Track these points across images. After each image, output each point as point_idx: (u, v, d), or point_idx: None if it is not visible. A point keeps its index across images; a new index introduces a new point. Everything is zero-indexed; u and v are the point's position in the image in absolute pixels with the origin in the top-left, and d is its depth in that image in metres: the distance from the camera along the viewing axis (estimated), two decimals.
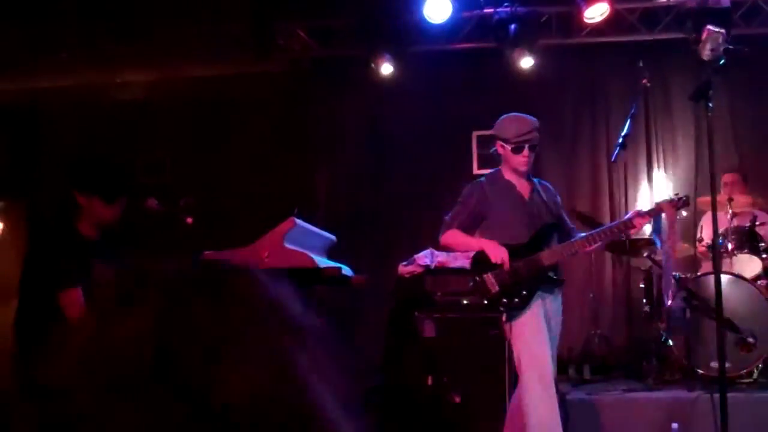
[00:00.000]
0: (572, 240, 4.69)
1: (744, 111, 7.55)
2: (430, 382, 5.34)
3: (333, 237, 4.79)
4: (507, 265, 4.57)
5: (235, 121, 7.91)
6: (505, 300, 4.57)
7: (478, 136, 7.74)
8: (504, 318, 4.59)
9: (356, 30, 7.62)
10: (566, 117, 7.84)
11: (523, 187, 4.82)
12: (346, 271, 4.48)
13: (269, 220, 4.32)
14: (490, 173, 4.96)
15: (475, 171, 7.65)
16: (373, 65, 7.44)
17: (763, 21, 7.34)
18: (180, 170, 7.98)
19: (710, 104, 4.39)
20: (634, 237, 5.87)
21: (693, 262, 6.33)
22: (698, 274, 5.94)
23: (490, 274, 4.60)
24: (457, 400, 5.26)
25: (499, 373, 5.03)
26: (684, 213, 5.46)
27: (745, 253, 6.00)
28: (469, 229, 4.78)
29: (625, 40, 7.50)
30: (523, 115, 4.77)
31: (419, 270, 5.81)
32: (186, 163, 7.99)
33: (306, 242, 4.25)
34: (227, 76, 8.03)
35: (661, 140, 7.60)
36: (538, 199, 4.81)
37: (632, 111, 5.83)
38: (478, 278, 4.64)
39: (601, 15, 7.02)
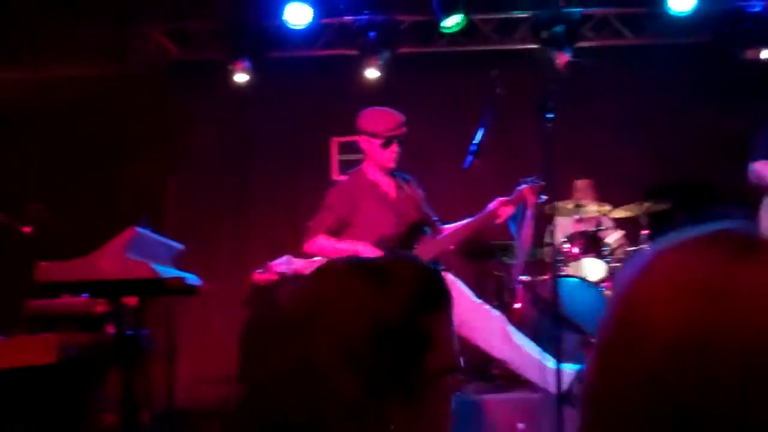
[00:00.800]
0: (441, 235, 4.67)
1: (597, 118, 7.85)
2: None
3: (179, 246, 4.70)
4: None
5: (88, 124, 7.67)
6: None
7: (339, 143, 7.77)
8: None
9: (216, 34, 7.54)
10: (424, 124, 7.91)
11: (387, 184, 4.75)
12: (192, 280, 4.39)
13: (115, 229, 4.21)
14: (352, 173, 4.86)
15: (335, 177, 7.67)
16: (231, 70, 7.37)
17: (613, 32, 7.65)
18: (32, 175, 7.69)
19: (551, 114, 4.48)
20: (485, 241, 6.01)
21: (541, 266, 6.53)
22: (545, 277, 6.13)
23: None
24: None
25: None
26: (544, 197, 5.59)
27: (590, 257, 6.23)
28: (337, 233, 4.68)
29: (481, 49, 7.67)
30: (390, 109, 4.70)
31: (274, 277, 5.76)
32: (39, 167, 7.70)
33: (149, 252, 4.15)
34: (86, 77, 7.78)
35: (512, 147, 7.80)
36: (404, 195, 4.75)
37: (485, 119, 5.95)
38: None
39: (458, 25, 7.17)
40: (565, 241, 6.14)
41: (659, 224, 6.51)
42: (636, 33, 7.59)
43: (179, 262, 4.68)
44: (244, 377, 1.30)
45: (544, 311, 5.78)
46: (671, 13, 7.06)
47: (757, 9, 7.01)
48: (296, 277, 5.69)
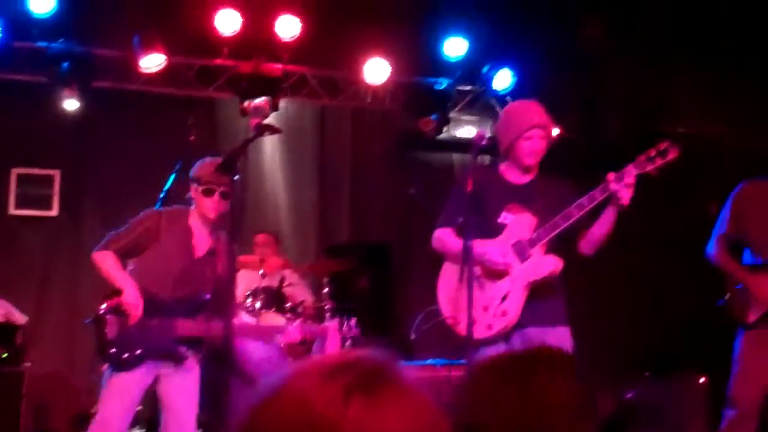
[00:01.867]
0: (209, 319, 4.23)
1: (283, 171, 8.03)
2: None
3: None
4: (135, 319, 4.16)
5: None
6: (113, 351, 4.18)
7: (18, 174, 7.25)
8: (105, 367, 4.22)
9: None
10: (117, 163, 7.61)
11: (202, 240, 4.42)
12: None
13: None
14: (177, 208, 4.54)
15: (12, 211, 7.15)
16: None
17: (310, 93, 7.87)
18: None
19: (237, 176, 4.32)
20: None
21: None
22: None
23: (113, 316, 4.20)
24: None
25: None
26: None
27: (272, 311, 6.30)
28: (128, 254, 4.38)
29: (181, 93, 7.57)
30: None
31: None
32: None
33: None
34: None
35: None
36: (213, 263, 4.36)
37: (177, 166, 5.86)
38: (99, 316, 4.20)
39: (157, 66, 7.03)
40: (248, 296, 6.15)
41: (340, 282, 6.77)
42: (332, 95, 7.88)
43: None
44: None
45: (225, 368, 5.72)
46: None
47: (442, 86, 7.59)
48: None
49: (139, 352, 4.18)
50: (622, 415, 6.85)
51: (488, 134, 4.02)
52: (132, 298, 4.18)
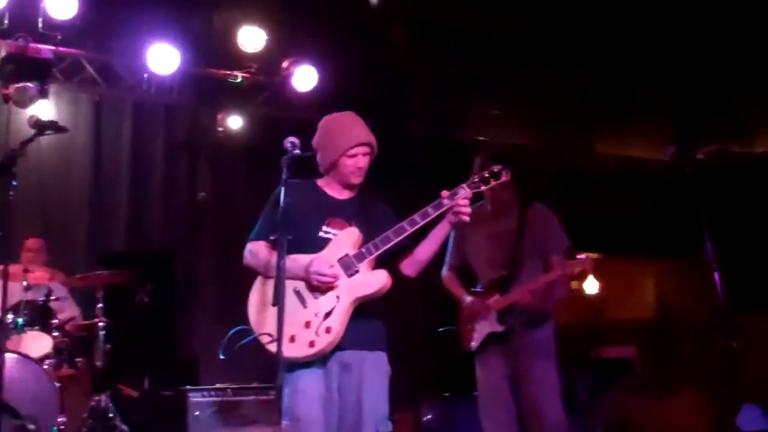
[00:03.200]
0: None
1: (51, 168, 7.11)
2: None
3: None
4: None
5: None
6: None
7: None
8: None
9: None
10: None
11: None
12: None
13: None
14: None
15: None
16: None
17: (85, 80, 7.03)
18: None
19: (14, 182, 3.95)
20: None
21: None
22: None
23: None
24: None
25: None
26: None
27: (36, 329, 5.46)
28: None
29: None
30: None
31: None
32: None
33: None
34: None
35: None
36: None
37: None
38: None
39: None
40: (7, 311, 5.25)
41: (116, 296, 6.03)
42: (110, 84, 7.10)
43: None
44: None
45: None
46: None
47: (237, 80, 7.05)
48: None
49: None
50: None
51: (296, 141, 3.56)
52: None
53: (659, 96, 7.32)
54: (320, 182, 4.00)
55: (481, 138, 7.12)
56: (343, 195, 3.99)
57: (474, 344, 4.88)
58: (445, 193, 3.75)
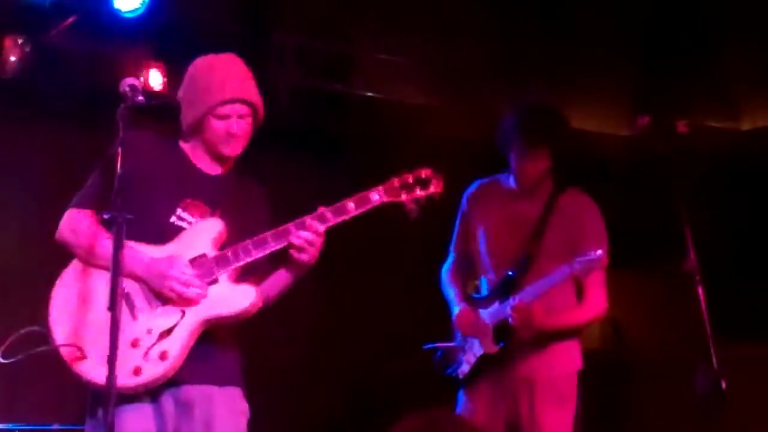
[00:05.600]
0: None
1: None
2: None
3: None
4: None
5: None
6: None
7: None
8: None
9: None
10: None
11: None
12: None
13: None
14: None
15: None
16: None
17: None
18: None
19: None
20: None
21: None
22: None
23: None
24: None
25: None
26: None
27: None
28: None
29: None
30: None
31: None
32: None
33: None
34: None
35: None
36: None
37: None
38: None
39: None
40: None
41: None
42: None
43: None
44: None
45: None
46: None
47: None
48: None
49: None
50: None
51: (137, 83, 2.92)
52: None
53: (618, 48, 6.14)
54: (185, 146, 3.35)
55: (370, 93, 5.94)
56: (211, 169, 3.34)
57: (463, 369, 4.06)
58: (322, 209, 3.10)
